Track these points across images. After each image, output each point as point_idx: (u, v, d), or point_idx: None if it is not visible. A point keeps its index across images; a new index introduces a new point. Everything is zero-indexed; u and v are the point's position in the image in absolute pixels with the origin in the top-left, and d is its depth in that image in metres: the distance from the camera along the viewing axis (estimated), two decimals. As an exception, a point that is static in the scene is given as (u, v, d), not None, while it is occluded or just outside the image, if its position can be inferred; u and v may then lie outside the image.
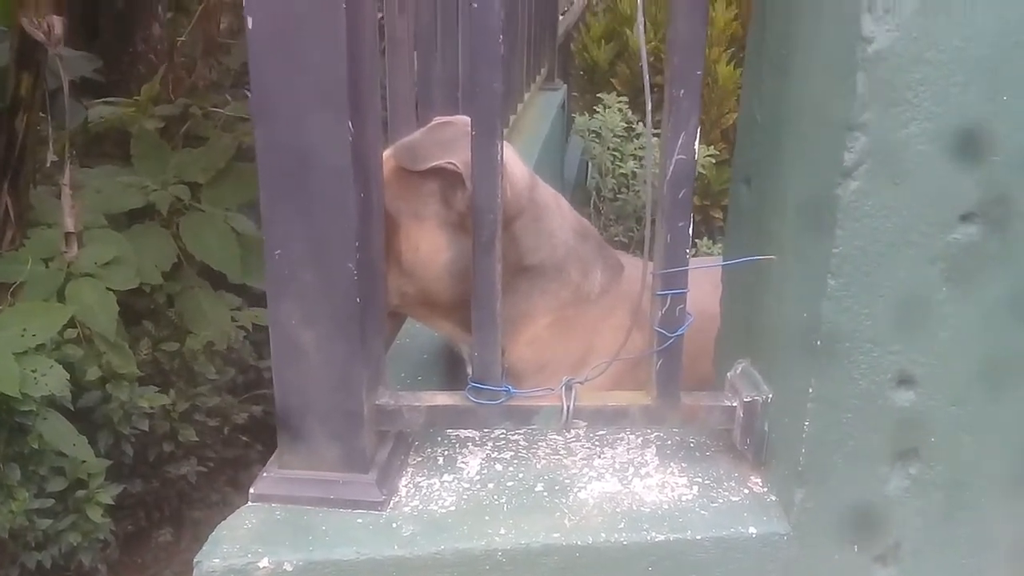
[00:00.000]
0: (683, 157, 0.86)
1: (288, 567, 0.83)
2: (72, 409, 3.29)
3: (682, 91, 0.85)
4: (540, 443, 1.01)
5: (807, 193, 0.85)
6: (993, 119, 0.78)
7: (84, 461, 3.30)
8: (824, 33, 0.81)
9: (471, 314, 0.91)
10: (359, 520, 0.88)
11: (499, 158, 0.85)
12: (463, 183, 1.04)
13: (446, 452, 0.99)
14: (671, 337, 0.91)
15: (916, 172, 0.79)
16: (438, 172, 1.08)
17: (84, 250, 3.66)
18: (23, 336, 3.18)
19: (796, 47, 0.86)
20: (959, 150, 0.78)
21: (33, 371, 3.13)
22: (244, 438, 4.60)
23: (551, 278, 1.19)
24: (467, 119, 0.98)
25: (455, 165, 1.05)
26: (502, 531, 0.87)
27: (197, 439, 3.99)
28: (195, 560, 0.84)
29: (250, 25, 0.78)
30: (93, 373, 3.47)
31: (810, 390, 0.85)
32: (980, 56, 0.76)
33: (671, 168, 0.86)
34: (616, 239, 3.58)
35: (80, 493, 3.32)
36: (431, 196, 1.10)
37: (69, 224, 3.61)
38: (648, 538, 0.87)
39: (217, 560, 0.83)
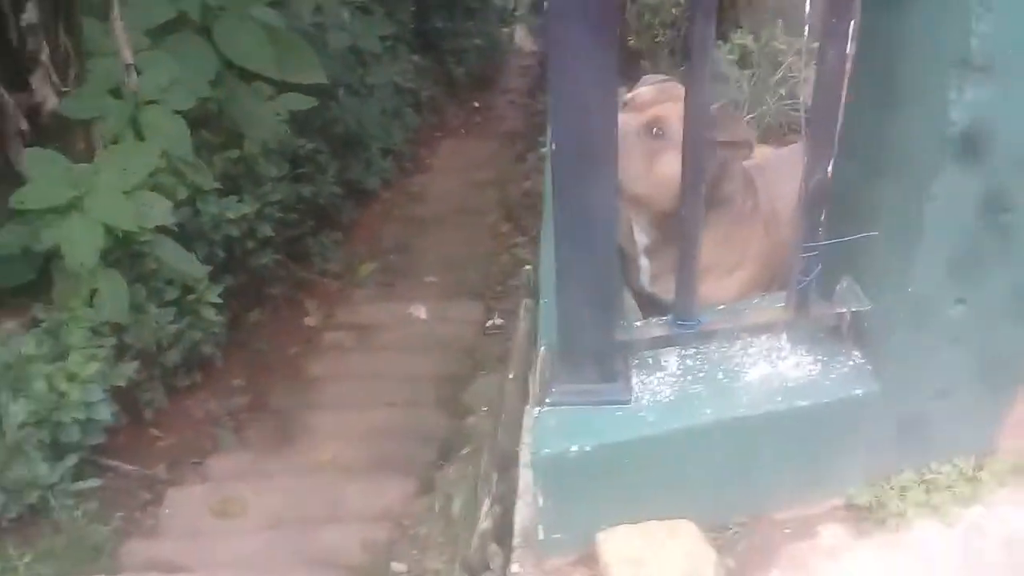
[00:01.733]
0: (820, 178, 1.31)
1: (588, 448, 1.39)
2: (174, 229, 3.76)
3: (819, 127, 1.28)
4: (710, 340, 1.53)
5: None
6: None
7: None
8: None
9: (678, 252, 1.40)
10: (618, 413, 1.43)
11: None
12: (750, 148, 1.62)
13: (652, 354, 1.52)
14: (804, 281, 1.41)
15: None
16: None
17: (143, 78, 3.89)
18: (124, 176, 3.52)
19: None
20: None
21: (142, 205, 3.52)
22: (296, 216, 5.11)
23: (724, 205, 1.71)
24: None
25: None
26: (707, 411, 1.43)
27: (271, 234, 4.51)
28: (533, 452, 1.39)
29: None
30: (182, 192, 3.87)
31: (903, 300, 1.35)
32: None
33: (810, 186, 1.31)
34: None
35: (191, 297, 3.89)
36: None
37: (127, 55, 3.84)
38: (796, 405, 1.43)
39: (546, 450, 1.39)
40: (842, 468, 1.54)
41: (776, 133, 2.95)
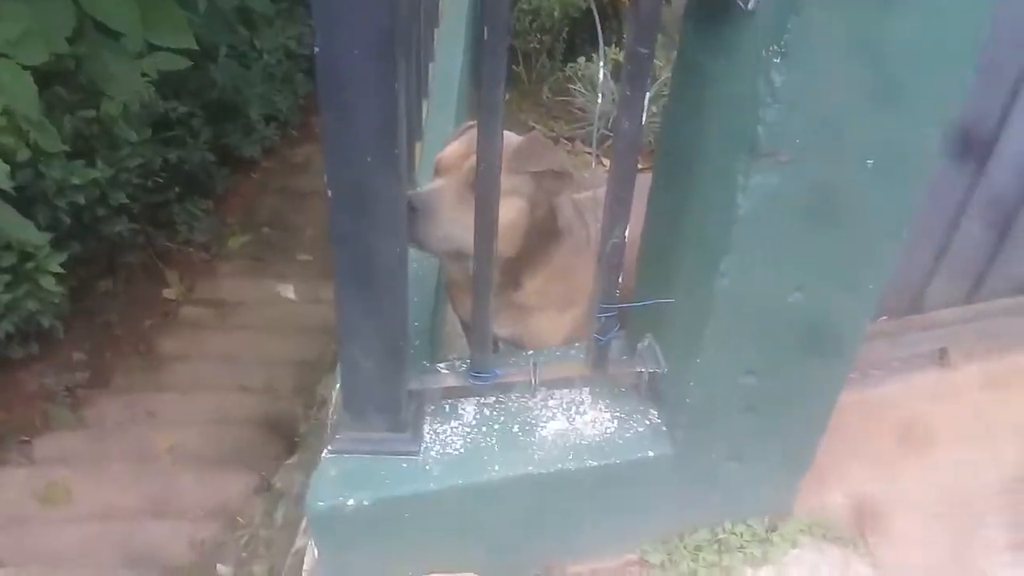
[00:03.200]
0: (616, 241, 1.27)
1: (366, 502, 1.33)
2: (11, 192, 3.51)
3: (618, 192, 1.24)
4: (510, 392, 1.49)
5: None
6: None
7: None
8: None
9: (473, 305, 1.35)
10: (404, 465, 1.38)
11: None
12: (571, 178, 1.58)
13: (450, 402, 1.47)
14: (603, 340, 1.38)
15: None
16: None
17: (-10, 27, 3.60)
18: (-43, 131, 3.26)
19: None
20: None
21: (-28, 164, 3.27)
22: (160, 181, 4.87)
23: (562, 238, 1.69)
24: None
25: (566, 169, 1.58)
26: (496, 467, 1.39)
27: (127, 200, 4.28)
28: (306, 503, 1.33)
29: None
30: (23, 154, 3.62)
31: (695, 367, 1.34)
32: None
33: (607, 249, 1.28)
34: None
35: (30, 265, 3.67)
36: (528, 183, 1.59)
37: (-28, 2, 3.54)
38: (587, 464, 1.40)
39: (321, 503, 1.32)
40: (636, 524, 1.53)
41: (644, 149, 2.93)
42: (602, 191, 2.03)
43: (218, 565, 2.75)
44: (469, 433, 1.44)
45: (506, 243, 1.64)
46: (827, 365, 1.40)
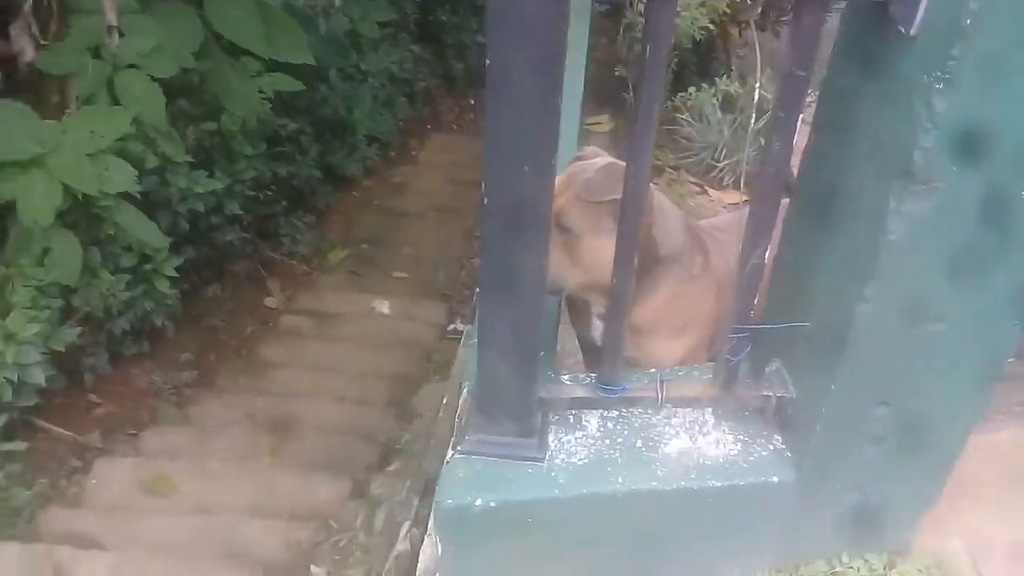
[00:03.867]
0: (756, 262, 1.29)
1: (492, 504, 1.36)
2: (137, 196, 3.70)
3: (761, 214, 1.26)
4: (633, 405, 1.51)
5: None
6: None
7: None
8: None
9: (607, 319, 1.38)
10: (529, 470, 1.41)
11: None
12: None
13: (574, 413, 1.50)
14: (733, 361, 1.39)
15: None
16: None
17: (125, 41, 3.83)
18: (92, 138, 3.47)
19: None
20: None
21: (105, 169, 3.47)
22: (270, 194, 5.04)
23: (671, 264, 1.66)
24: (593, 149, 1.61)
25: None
26: (619, 479, 1.40)
27: (240, 211, 4.45)
28: (436, 499, 1.37)
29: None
30: (151, 161, 3.81)
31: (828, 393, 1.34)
32: None
33: (747, 270, 1.29)
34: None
35: (148, 266, 3.84)
36: (607, 216, 1.54)
37: (111, 17, 3.76)
38: (709, 484, 1.41)
39: (449, 501, 1.36)
40: (752, 551, 1.52)
41: (751, 179, 2.93)
42: (720, 220, 2.06)
43: (312, 566, 2.81)
44: (593, 444, 1.46)
45: (599, 275, 1.62)
46: (963, 401, 1.38)
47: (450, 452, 1.46)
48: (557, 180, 1.52)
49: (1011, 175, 1.14)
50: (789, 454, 1.45)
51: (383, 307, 5.08)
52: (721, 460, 1.44)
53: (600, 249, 1.58)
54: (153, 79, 3.82)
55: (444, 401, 2.10)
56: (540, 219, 1.21)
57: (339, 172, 6.11)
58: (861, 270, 1.23)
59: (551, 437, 1.46)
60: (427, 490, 2.14)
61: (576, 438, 1.47)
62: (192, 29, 4.25)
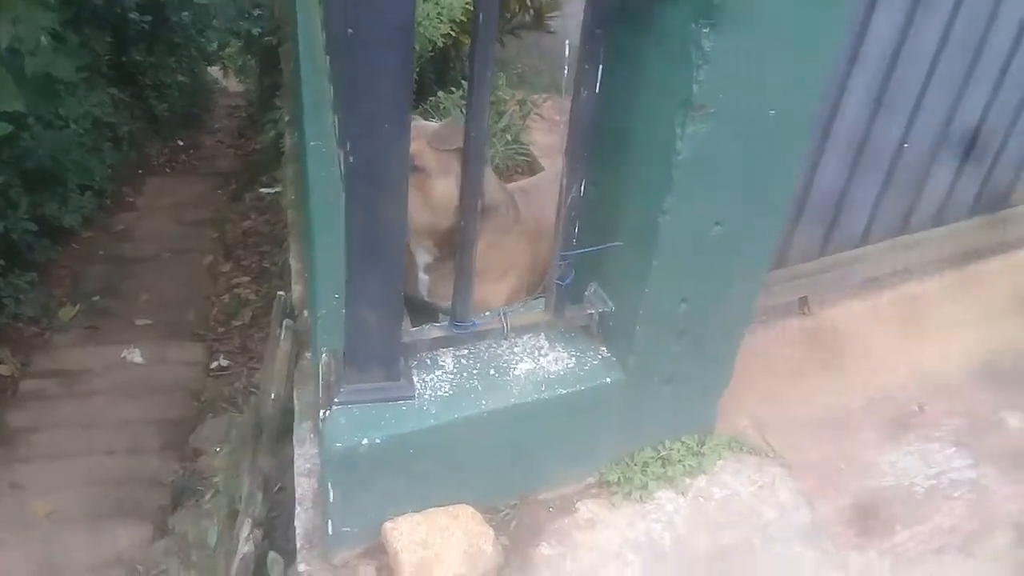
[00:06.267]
0: (575, 195, 1.54)
1: (378, 441, 1.49)
2: None
3: (576, 152, 1.51)
4: (481, 341, 1.70)
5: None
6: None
7: None
8: None
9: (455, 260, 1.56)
10: (403, 408, 1.55)
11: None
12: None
13: (430, 355, 1.66)
14: (563, 284, 1.63)
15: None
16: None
17: None
18: None
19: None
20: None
21: None
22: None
23: (490, 215, 1.86)
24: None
25: None
26: (483, 402, 1.59)
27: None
28: (324, 447, 1.47)
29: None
30: None
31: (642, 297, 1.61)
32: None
33: (567, 201, 1.54)
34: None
35: None
36: (455, 160, 1.74)
37: None
38: (557, 393, 1.64)
39: (338, 444, 1.47)
40: (595, 448, 1.77)
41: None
42: (523, 183, 2.31)
43: (132, 610, 2.70)
44: (453, 379, 1.63)
45: (442, 216, 1.87)
46: (742, 289, 1.72)
47: (323, 411, 1.56)
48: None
49: (764, 96, 1.47)
50: (615, 359, 1.71)
51: (134, 356, 4.87)
52: (562, 373, 1.68)
53: (448, 188, 1.79)
54: None
55: (272, 396, 2.16)
56: (400, 171, 1.37)
57: (55, 224, 5.73)
58: (658, 189, 1.51)
59: (415, 379, 1.61)
60: (268, 486, 2.19)
61: (437, 376, 1.63)
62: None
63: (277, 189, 6.74)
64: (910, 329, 2.34)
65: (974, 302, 2.45)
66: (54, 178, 5.72)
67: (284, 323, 2.21)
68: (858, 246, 2.34)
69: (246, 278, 5.77)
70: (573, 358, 1.71)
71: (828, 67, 1.53)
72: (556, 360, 1.70)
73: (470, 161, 1.45)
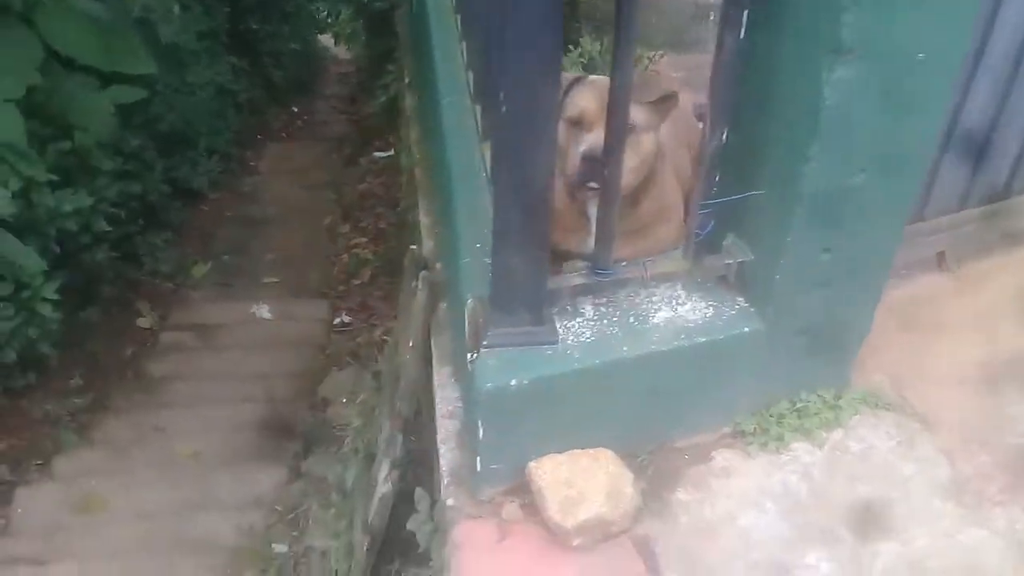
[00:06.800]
0: (718, 143, 1.55)
1: (526, 382, 1.55)
2: (10, 221, 3.58)
3: (718, 100, 1.52)
4: (619, 290, 1.74)
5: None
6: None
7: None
8: None
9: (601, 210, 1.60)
10: (548, 352, 1.60)
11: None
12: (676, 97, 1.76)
13: (571, 303, 1.71)
14: (701, 234, 1.65)
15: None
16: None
17: (-32, 65, 3.68)
18: (-43, 166, 3.33)
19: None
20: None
21: (-26, 196, 3.33)
22: (125, 214, 4.92)
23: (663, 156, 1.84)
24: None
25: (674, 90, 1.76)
26: (624, 348, 1.63)
27: (109, 228, 4.35)
28: (475, 387, 1.54)
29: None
30: (14, 184, 3.69)
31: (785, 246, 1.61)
32: None
33: (711, 150, 1.55)
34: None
35: (26, 293, 3.72)
36: (653, 115, 1.73)
37: (-46, 41, 3.61)
38: (696, 341, 1.66)
39: (489, 384, 1.54)
40: (731, 398, 1.79)
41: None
42: None
43: (273, 544, 2.87)
44: (594, 325, 1.68)
45: (646, 170, 1.76)
46: (883, 239, 1.70)
47: (470, 354, 1.63)
48: (592, 98, 1.68)
49: (914, 39, 1.44)
50: (752, 309, 1.72)
51: (263, 311, 5.09)
52: (700, 322, 1.70)
53: (654, 142, 1.73)
54: (6, 100, 3.69)
55: (411, 344, 2.25)
56: (550, 120, 1.41)
57: (186, 186, 6.01)
58: (803, 136, 1.51)
59: (557, 325, 1.66)
60: (408, 429, 2.29)
61: (578, 323, 1.68)
62: (30, 47, 4.11)
63: (390, 153, 6.91)
64: (1054, 284, 2.26)
65: None
66: (184, 142, 6.00)
67: (420, 275, 2.29)
68: (1000, 199, 2.26)
69: (364, 239, 5.94)
70: (710, 308, 1.73)
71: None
72: (694, 309, 1.73)
73: (616, 105, 1.47)
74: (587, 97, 1.67)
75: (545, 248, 1.54)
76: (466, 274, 1.80)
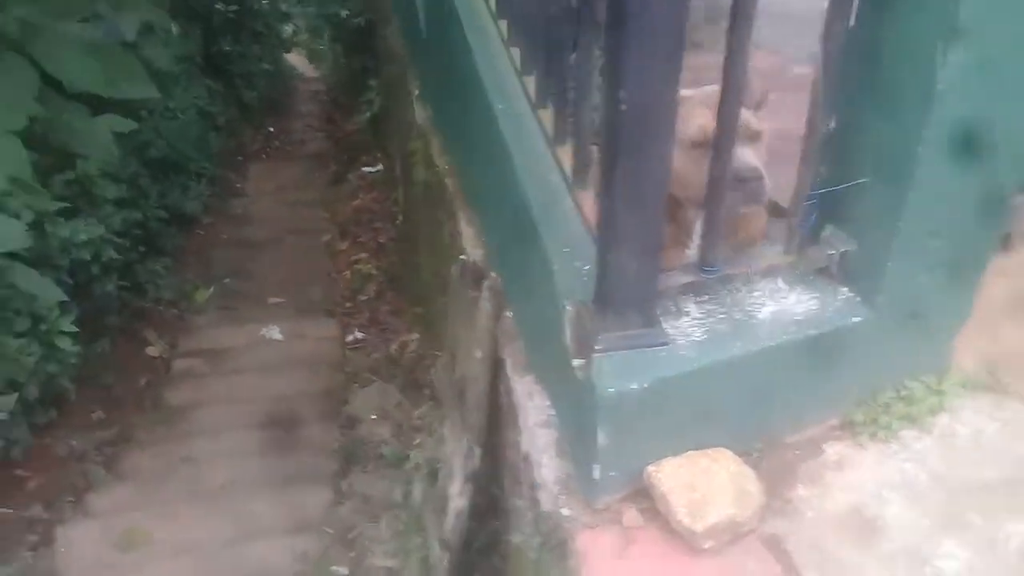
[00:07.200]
0: (825, 131, 1.52)
1: (646, 385, 1.52)
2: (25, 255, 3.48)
3: (825, 89, 1.50)
4: (722, 287, 1.71)
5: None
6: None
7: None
8: None
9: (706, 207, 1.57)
10: (662, 353, 1.57)
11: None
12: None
13: (671, 303, 1.68)
14: (804, 226, 1.62)
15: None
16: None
17: (-35, 99, 3.58)
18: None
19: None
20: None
21: (-6, 230, 3.24)
22: (127, 242, 4.81)
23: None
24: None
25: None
26: (736, 345, 1.60)
27: (117, 256, 4.26)
28: (594, 393, 1.50)
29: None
30: (27, 216, 3.59)
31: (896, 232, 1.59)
32: None
33: (818, 140, 1.53)
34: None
35: (43, 327, 3.62)
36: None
37: (-47, 75, 3.51)
38: (807, 334, 1.64)
39: (611, 389, 1.50)
40: (840, 390, 1.77)
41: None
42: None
43: (332, 568, 2.80)
44: (702, 323, 1.64)
45: None
46: (989, 223, 1.69)
47: (577, 361, 1.59)
48: (696, 98, 1.68)
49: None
50: (859, 299, 1.70)
51: (273, 333, 5.01)
52: (808, 315, 1.67)
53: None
54: (8, 132, 3.59)
55: (479, 355, 2.21)
56: (669, 118, 1.38)
57: (179, 211, 5.91)
58: (915, 122, 1.49)
59: (665, 326, 1.63)
60: (485, 442, 2.24)
61: (685, 323, 1.64)
62: (27, 77, 4.01)
63: (379, 168, 6.85)
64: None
65: None
66: (175, 167, 5.90)
67: (485, 284, 2.25)
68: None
69: (364, 254, 5.88)
70: (815, 300, 1.71)
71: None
72: (798, 302, 1.70)
73: (725, 111, 1.45)
74: (701, 114, 1.64)
75: (660, 248, 1.51)
76: (560, 279, 1.77)
